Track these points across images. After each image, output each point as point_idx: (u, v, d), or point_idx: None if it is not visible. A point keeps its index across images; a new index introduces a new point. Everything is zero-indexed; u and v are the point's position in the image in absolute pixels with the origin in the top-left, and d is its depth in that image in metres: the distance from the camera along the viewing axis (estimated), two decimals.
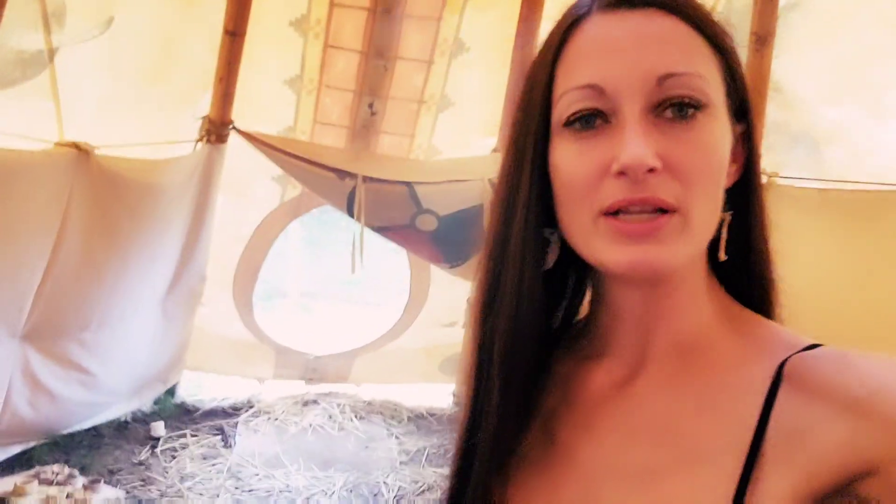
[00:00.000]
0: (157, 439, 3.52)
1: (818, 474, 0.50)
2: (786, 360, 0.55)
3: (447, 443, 3.74)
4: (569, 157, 0.58)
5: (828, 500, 0.50)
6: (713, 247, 0.61)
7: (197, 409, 3.95)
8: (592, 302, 0.68)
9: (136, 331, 3.23)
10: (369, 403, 4.15)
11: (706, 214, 0.56)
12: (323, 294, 6.58)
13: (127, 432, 3.56)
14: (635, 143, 0.54)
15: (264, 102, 2.84)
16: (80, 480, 3.01)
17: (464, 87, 2.83)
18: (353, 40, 2.66)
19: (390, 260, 6.54)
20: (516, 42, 2.74)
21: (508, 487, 0.64)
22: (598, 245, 0.57)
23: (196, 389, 4.20)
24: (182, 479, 3.18)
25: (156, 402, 3.89)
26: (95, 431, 3.47)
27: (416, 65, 2.76)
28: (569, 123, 0.58)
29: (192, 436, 3.62)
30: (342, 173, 2.79)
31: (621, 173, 0.54)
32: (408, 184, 2.83)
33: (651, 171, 0.54)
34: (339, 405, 4.08)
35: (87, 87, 2.49)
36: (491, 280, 0.65)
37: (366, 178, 2.80)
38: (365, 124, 2.85)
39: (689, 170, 0.55)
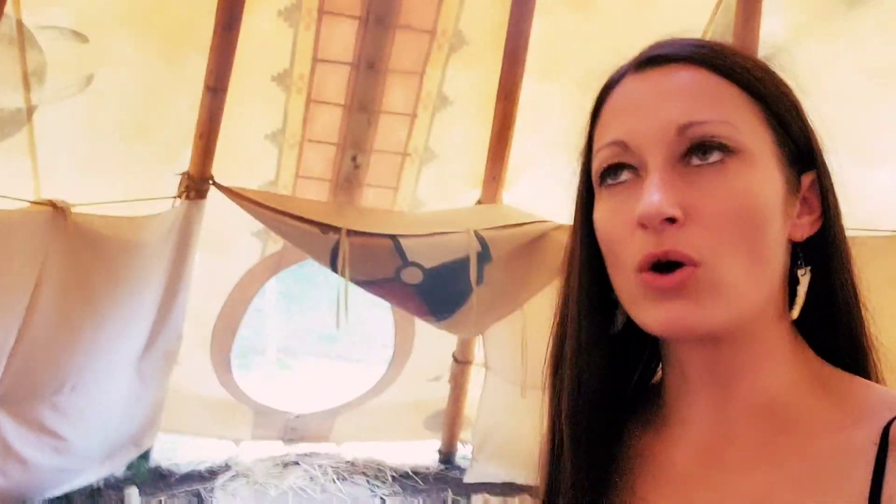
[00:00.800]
0: None
1: None
2: (890, 422, 0.51)
3: (434, 502, 3.63)
4: (606, 215, 0.60)
5: None
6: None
7: (172, 474, 3.80)
8: (663, 365, 0.65)
9: (110, 393, 3.11)
10: (352, 463, 4.02)
11: (740, 268, 0.53)
12: (302, 350, 6.48)
13: (100, 500, 3.40)
14: (652, 192, 0.53)
15: (245, 157, 2.82)
16: None
17: (447, 139, 2.84)
18: (337, 95, 2.67)
19: (372, 314, 6.48)
20: (498, 96, 2.76)
21: None
22: (638, 304, 0.56)
23: (171, 453, 4.05)
24: None
25: (129, 467, 3.73)
26: (66, 499, 3.31)
27: (399, 118, 2.76)
28: (602, 180, 0.60)
29: (168, 501, 3.47)
30: (325, 227, 2.75)
31: (641, 224, 0.54)
32: (392, 237, 2.79)
33: (672, 221, 0.52)
34: (320, 466, 3.95)
35: (66, 145, 2.45)
36: (557, 344, 0.66)
37: (349, 232, 2.76)
38: (348, 177, 2.83)
39: (717, 218, 0.53)
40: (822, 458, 0.54)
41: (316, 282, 7.83)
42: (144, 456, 3.84)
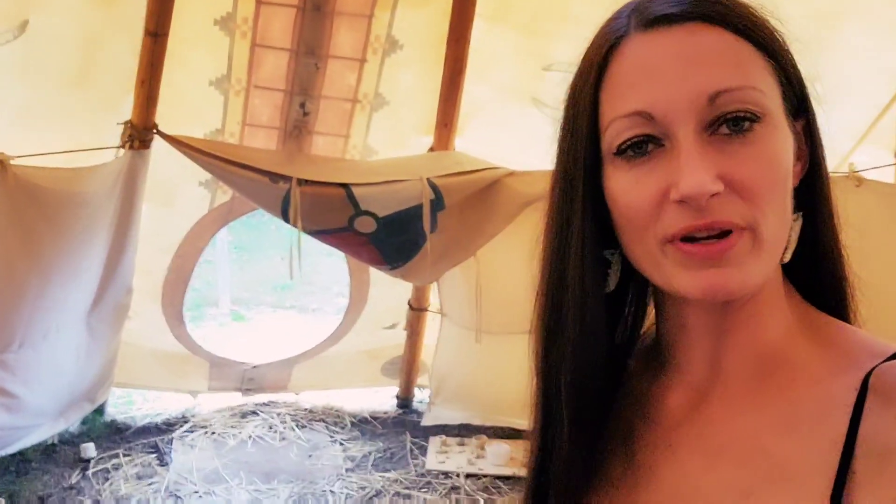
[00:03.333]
0: (88, 461, 3.35)
1: None
2: (871, 370, 0.53)
3: (393, 446, 3.70)
4: (625, 186, 0.57)
5: None
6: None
7: (129, 428, 3.78)
8: (657, 316, 0.66)
9: (60, 349, 3.06)
10: (311, 411, 4.06)
11: (777, 228, 0.55)
12: (256, 301, 6.42)
13: (56, 455, 3.38)
14: (693, 169, 0.52)
15: (190, 105, 2.73)
16: None
17: (398, 85, 2.79)
18: (282, 39, 2.59)
19: (327, 263, 6.45)
20: (449, 39, 2.71)
21: (601, 492, 0.64)
22: (668, 271, 0.56)
23: (126, 407, 4.03)
24: (117, 502, 3.04)
25: (84, 423, 3.71)
26: (22, 456, 3.28)
27: (348, 63, 2.70)
28: (620, 152, 0.57)
29: (125, 455, 3.47)
30: (275, 176, 2.71)
31: (682, 201, 0.53)
32: (344, 185, 2.76)
33: (714, 195, 0.52)
34: (279, 415, 3.98)
35: (1, 95, 2.34)
36: (551, 309, 0.64)
37: (300, 181, 2.72)
38: (297, 125, 2.78)
39: (753, 186, 0.53)
40: (804, 402, 0.56)
41: (268, 231, 7.74)
42: (99, 411, 3.81)
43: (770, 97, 0.55)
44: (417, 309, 3.74)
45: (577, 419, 0.62)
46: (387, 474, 3.39)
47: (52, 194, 2.45)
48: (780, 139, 0.55)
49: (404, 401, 4.17)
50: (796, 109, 0.59)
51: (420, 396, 4.18)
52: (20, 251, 2.47)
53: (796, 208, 0.59)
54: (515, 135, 3.00)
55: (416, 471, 3.42)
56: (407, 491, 3.24)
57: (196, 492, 3.18)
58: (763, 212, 0.53)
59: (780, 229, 0.56)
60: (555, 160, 0.65)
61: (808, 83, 0.60)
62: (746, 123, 0.53)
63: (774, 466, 0.54)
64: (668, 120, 0.54)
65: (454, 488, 3.26)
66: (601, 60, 0.58)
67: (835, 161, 2.55)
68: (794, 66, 0.59)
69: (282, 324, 5.89)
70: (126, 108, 2.60)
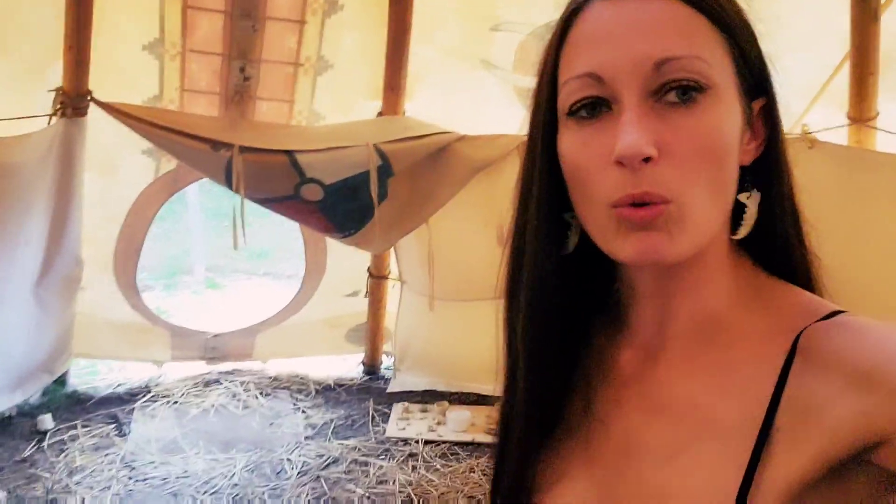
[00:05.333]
0: (45, 433, 3.33)
1: (832, 447, 0.51)
2: (801, 332, 0.56)
3: (355, 413, 3.70)
4: (574, 147, 0.59)
5: (842, 468, 0.51)
6: (738, 222, 0.62)
7: (90, 398, 3.76)
8: (616, 280, 0.69)
9: (7, 321, 3.02)
10: (276, 379, 4.04)
11: (706, 202, 0.56)
12: (231, 269, 6.37)
13: (11, 428, 3.36)
14: (630, 131, 0.54)
15: (125, 71, 2.65)
16: None
17: (341, 48, 2.71)
18: (215, 0, 2.49)
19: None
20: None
21: (552, 457, 0.67)
22: (609, 235, 0.58)
23: (90, 378, 4.01)
24: (70, 474, 3.03)
25: (45, 394, 3.68)
26: None
27: (287, 25, 2.61)
28: (571, 113, 0.59)
29: (84, 426, 3.45)
30: (216, 144, 2.64)
31: (619, 163, 0.55)
32: (288, 152, 2.70)
33: (647, 159, 0.54)
34: (243, 383, 3.96)
35: None
36: (513, 267, 0.68)
37: (242, 148, 2.65)
38: (238, 90, 2.70)
39: (687, 156, 0.55)
40: (739, 364, 0.58)
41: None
42: (61, 381, 3.79)
43: (718, 71, 0.56)
44: (377, 276, 3.70)
45: (534, 371, 0.66)
46: (346, 442, 3.38)
47: None
48: (725, 113, 0.56)
49: (370, 368, 4.15)
50: (753, 88, 0.60)
51: (386, 363, 4.16)
52: None
53: (754, 186, 0.61)
54: (466, 98, 2.93)
55: (375, 438, 3.42)
56: (364, 458, 3.24)
57: (152, 462, 3.17)
58: (693, 185, 0.55)
59: (716, 203, 0.57)
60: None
61: (769, 64, 0.61)
62: (692, 93, 0.55)
63: (706, 424, 0.58)
64: (614, 83, 0.56)
65: (412, 455, 3.25)
66: (563, 24, 0.61)
67: (789, 122, 2.47)
68: (754, 45, 0.60)
69: (256, 291, 5.86)
70: (55, 76, 2.51)
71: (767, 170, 0.62)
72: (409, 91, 2.88)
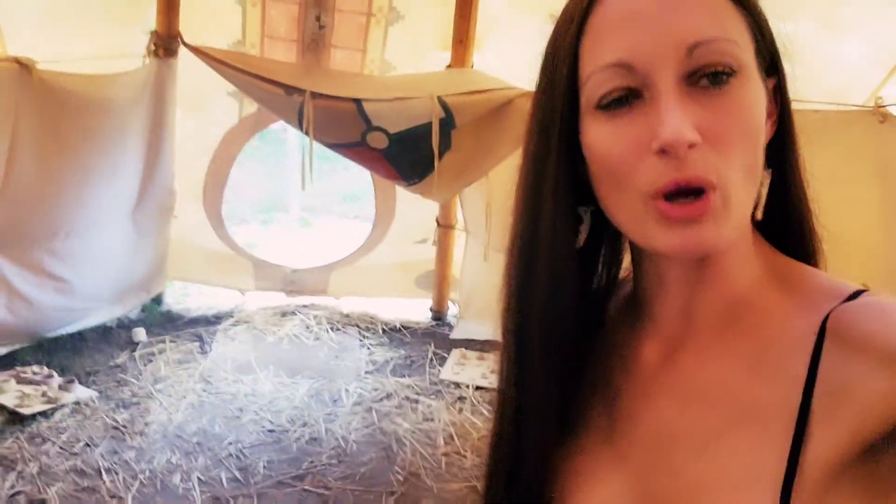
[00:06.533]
0: (137, 344, 3.71)
1: (864, 426, 0.51)
2: (830, 312, 0.55)
3: (415, 354, 3.87)
4: (605, 138, 0.57)
5: (874, 447, 0.51)
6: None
7: (181, 318, 4.13)
8: (634, 269, 0.68)
9: (106, 241, 3.36)
10: (347, 315, 4.28)
11: (747, 185, 0.56)
12: (324, 210, 6.67)
13: (109, 337, 3.75)
14: (673, 118, 0.53)
15: (212, 16, 2.84)
16: (57, 380, 3.22)
17: None
18: None
19: None
20: None
21: (576, 457, 0.66)
22: (648, 228, 0.56)
23: (183, 299, 4.38)
24: (154, 382, 3.37)
25: (143, 311, 4.08)
26: (80, 336, 3.68)
27: None
28: (601, 106, 0.57)
29: (171, 342, 3.81)
30: (290, 89, 2.80)
31: (662, 151, 0.53)
32: (356, 100, 2.82)
33: (692, 146, 0.53)
34: (316, 317, 4.22)
35: (29, 2, 2.52)
36: (522, 264, 0.65)
37: (314, 94, 2.80)
38: (314, 38, 2.83)
39: (728, 140, 0.54)
40: (769, 346, 0.58)
41: None
42: (157, 300, 4.17)
43: (745, 50, 0.55)
44: (444, 226, 3.81)
45: (551, 375, 0.64)
46: (402, 380, 3.56)
47: (78, 99, 2.64)
48: (754, 93, 0.56)
49: (438, 313, 4.30)
50: (768, 66, 0.58)
51: (453, 310, 4.30)
52: (52, 149, 2.71)
53: (766, 165, 0.59)
54: (534, 52, 2.93)
55: (430, 379, 3.58)
56: (416, 396, 3.41)
57: (226, 379, 3.48)
58: (735, 169, 0.54)
59: (751, 185, 0.56)
60: (532, 111, 0.64)
61: (778, 41, 0.60)
62: (724, 77, 0.54)
63: (742, 408, 0.57)
64: (648, 69, 0.54)
65: (461, 398, 3.40)
66: (582, 11, 0.58)
67: (863, 95, 2.36)
68: (767, 23, 0.59)
69: (345, 232, 6.12)
70: (149, 18, 2.73)
71: (780, 149, 0.60)
72: (477, 44, 2.92)
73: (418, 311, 4.35)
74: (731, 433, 0.57)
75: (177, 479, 2.62)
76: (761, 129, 0.56)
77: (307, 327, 4.13)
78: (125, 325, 3.90)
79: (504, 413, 0.68)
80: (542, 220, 0.62)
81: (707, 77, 0.53)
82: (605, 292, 0.72)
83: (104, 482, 2.57)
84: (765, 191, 0.59)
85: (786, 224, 0.63)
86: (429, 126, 2.89)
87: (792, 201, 0.62)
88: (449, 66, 3.01)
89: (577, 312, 0.64)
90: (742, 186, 0.55)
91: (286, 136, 6.65)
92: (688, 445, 0.59)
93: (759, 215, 0.59)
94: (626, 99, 0.55)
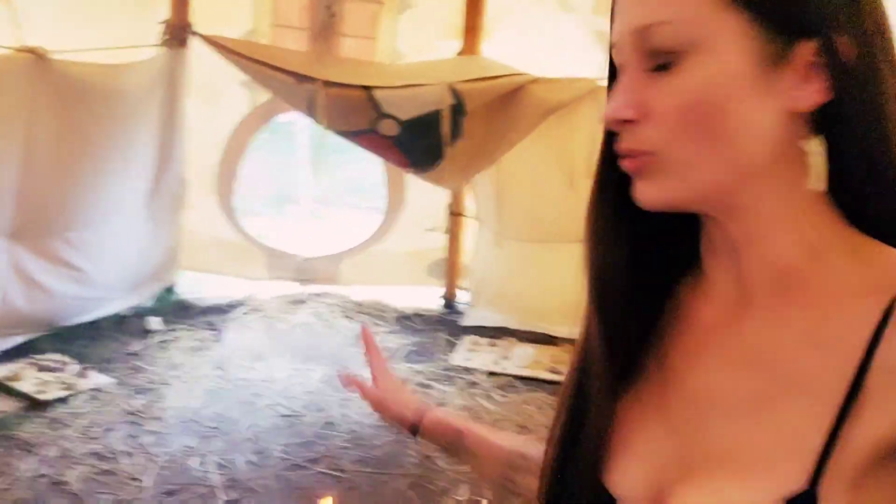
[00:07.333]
0: (152, 332, 3.75)
1: None
2: None
3: (427, 341, 3.90)
4: None
5: None
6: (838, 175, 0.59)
7: (195, 307, 4.17)
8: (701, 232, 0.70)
9: (121, 231, 3.40)
10: (359, 304, 4.31)
11: (695, 151, 0.58)
12: (335, 201, 6.69)
13: (124, 326, 3.80)
14: (614, 99, 0.59)
15: (223, 6, 2.86)
16: (74, 367, 3.27)
17: None
18: None
19: None
20: None
21: (626, 406, 0.68)
22: None
23: (196, 288, 4.42)
24: (170, 369, 3.42)
25: (156, 300, 4.12)
26: (96, 324, 3.72)
27: None
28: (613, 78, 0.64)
29: (186, 330, 3.85)
30: (300, 77, 2.82)
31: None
32: (366, 88, 2.84)
33: (628, 122, 0.58)
34: (328, 305, 4.25)
35: None
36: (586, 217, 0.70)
37: (324, 83, 2.83)
38: (325, 27, 2.85)
39: (667, 114, 0.57)
40: (828, 321, 0.57)
41: None
42: (171, 290, 4.22)
43: (699, 27, 0.55)
44: (456, 213, 3.83)
45: (601, 316, 0.68)
46: (414, 366, 3.60)
47: (93, 88, 2.68)
48: (713, 69, 0.56)
49: (449, 301, 4.33)
50: (793, 30, 0.56)
51: (464, 298, 4.33)
52: (68, 140, 2.75)
53: (822, 131, 0.58)
54: (544, 40, 2.95)
55: (442, 366, 3.61)
56: (429, 382, 3.45)
57: (241, 366, 3.52)
58: (677, 139, 0.57)
59: (711, 153, 0.57)
60: None
61: (827, 4, 0.57)
62: (667, 56, 0.56)
63: (791, 377, 0.57)
64: (620, 52, 0.60)
65: (473, 384, 3.43)
66: None
67: None
68: None
69: (355, 223, 6.15)
70: (162, 9, 2.76)
71: (837, 115, 0.58)
72: (487, 32, 2.94)
73: (429, 299, 4.39)
74: (775, 401, 0.57)
75: (195, 462, 2.66)
76: (724, 101, 0.56)
77: (319, 315, 4.16)
78: (139, 315, 3.94)
79: (573, 362, 0.73)
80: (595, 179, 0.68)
81: (655, 58, 0.57)
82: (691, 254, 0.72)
83: (123, 465, 2.61)
84: (819, 161, 0.58)
85: (863, 198, 0.59)
86: (439, 113, 2.91)
87: (854, 173, 0.59)
88: (459, 55, 3.03)
89: (631, 265, 0.67)
90: (695, 154, 0.57)
91: (295, 129, 6.67)
92: (730, 408, 0.60)
93: (812, 183, 0.58)
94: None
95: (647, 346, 0.69)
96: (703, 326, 0.66)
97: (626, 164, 0.60)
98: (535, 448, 0.87)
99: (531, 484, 0.85)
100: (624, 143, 0.59)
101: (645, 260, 0.69)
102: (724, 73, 0.56)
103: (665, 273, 0.71)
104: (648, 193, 0.60)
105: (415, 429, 1.01)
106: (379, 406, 1.06)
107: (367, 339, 1.11)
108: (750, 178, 0.59)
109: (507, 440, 0.97)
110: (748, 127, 0.57)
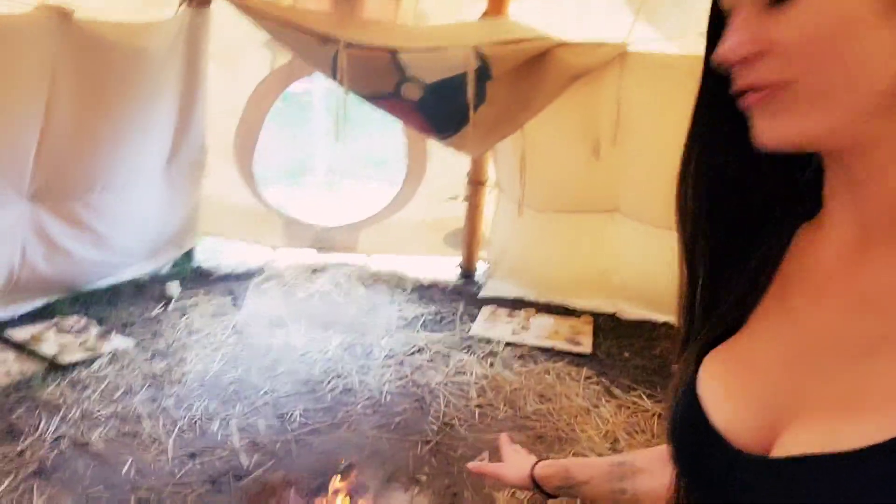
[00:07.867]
0: (171, 298, 3.75)
1: None
2: None
3: (445, 311, 3.88)
4: None
5: None
6: None
7: (213, 273, 4.17)
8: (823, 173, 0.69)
9: (141, 196, 3.38)
10: (376, 273, 4.30)
11: (826, 81, 0.55)
12: (352, 173, 6.66)
13: (144, 291, 3.80)
14: (727, 38, 0.57)
15: None
16: (95, 330, 3.27)
17: None
18: None
19: None
20: None
21: (745, 343, 0.69)
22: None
23: (214, 255, 4.42)
24: (189, 334, 3.42)
25: (175, 265, 4.12)
26: (115, 289, 3.73)
27: None
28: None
29: (204, 296, 3.85)
30: (323, 38, 2.77)
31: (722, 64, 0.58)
32: (391, 50, 2.79)
33: (745, 60, 0.57)
34: (346, 274, 4.24)
35: None
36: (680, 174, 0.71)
37: (347, 44, 2.77)
38: None
39: (789, 47, 0.55)
40: None
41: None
42: (188, 256, 4.21)
43: None
44: (476, 182, 3.78)
45: (712, 239, 0.70)
46: (432, 335, 3.58)
47: (115, 47, 2.64)
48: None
49: (466, 272, 4.30)
50: None
51: (482, 268, 4.30)
52: (90, 101, 2.71)
53: None
54: (571, 1, 2.88)
55: (460, 335, 3.59)
56: (447, 350, 3.43)
57: (259, 332, 3.52)
58: (805, 65, 0.55)
59: (842, 82, 0.55)
60: None
61: None
62: None
63: None
64: None
65: (492, 353, 3.41)
66: None
67: None
68: None
69: (369, 195, 6.12)
70: None
71: None
72: None
73: (447, 269, 4.36)
74: (893, 344, 0.55)
75: (215, 425, 2.66)
76: (850, 28, 0.54)
77: (337, 284, 4.15)
78: (158, 280, 3.94)
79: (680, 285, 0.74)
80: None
81: None
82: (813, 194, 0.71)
83: (145, 427, 2.61)
84: None
85: None
86: (464, 77, 2.86)
87: None
88: (484, 15, 2.96)
89: (740, 207, 0.69)
90: (822, 83, 0.55)
91: (312, 99, 6.63)
92: (846, 351, 0.59)
93: None
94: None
95: (770, 290, 0.69)
96: (823, 270, 0.65)
97: (750, 100, 0.57)
98: (629, 454, 0.94)
99: (640, 484, 0.91)
100: (746, 79, 0.57)
101: (759, 207, 0.70)
102: (847, 1, 0.54)
103: (785, 219, 0.71)
104: (778, 130, 0.57)
105: (536, 483, 1.08)
106: (499, 480, 1.13)
107: (481, 470, 1.16)
108: (877, 110, 0.56)
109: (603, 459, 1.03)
110: (875, 56, 0.55)
